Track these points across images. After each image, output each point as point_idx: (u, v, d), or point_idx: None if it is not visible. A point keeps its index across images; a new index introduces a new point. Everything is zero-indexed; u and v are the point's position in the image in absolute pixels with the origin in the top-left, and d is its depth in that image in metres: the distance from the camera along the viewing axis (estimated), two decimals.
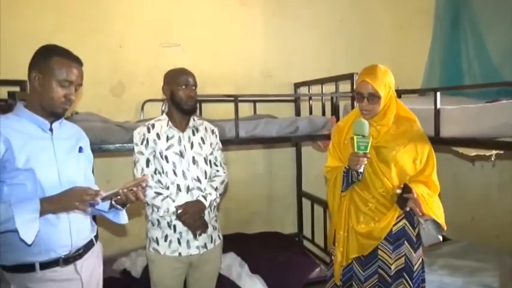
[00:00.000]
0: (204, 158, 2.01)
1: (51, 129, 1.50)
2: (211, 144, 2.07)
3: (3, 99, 2.16)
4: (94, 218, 1.71)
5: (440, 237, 1.96)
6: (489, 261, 3.02)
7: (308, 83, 3.40)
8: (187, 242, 1.95)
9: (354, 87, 2.73)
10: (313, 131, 2.83)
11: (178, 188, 1.93)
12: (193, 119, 2.05)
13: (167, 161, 1.93)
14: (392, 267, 1.90)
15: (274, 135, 2.70)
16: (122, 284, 2.58)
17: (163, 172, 1.94)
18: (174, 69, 2.00)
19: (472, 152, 2.71)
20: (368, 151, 1.79)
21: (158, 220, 1.95)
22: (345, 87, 2.99)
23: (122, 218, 1.65)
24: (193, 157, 1.98)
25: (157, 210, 1.92)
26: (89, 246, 1.58)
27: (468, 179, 3.76)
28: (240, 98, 2.60)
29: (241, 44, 3.48)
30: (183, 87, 1.92)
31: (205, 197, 1.95)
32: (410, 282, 1.90)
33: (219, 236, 2.10)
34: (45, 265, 1.43)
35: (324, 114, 3.18)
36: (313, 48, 3.71)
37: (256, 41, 3.53)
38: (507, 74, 3.06)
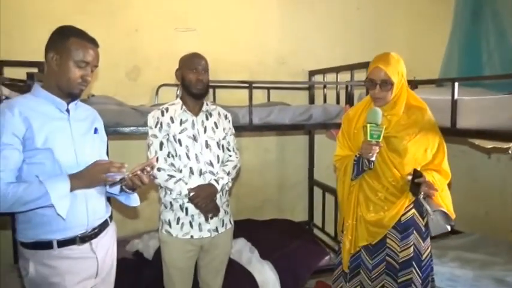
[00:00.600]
0: (217, 143, 2.03)
1: (67, 110, 1.52)
2: (224, 129, 2.08)
3: (22, 80, 2.19)
4: (108, 199, 1.74)
5: (449, 227, 1.93)
6: (501, 255, 2.99)
7: (323, 71, 3.37)
8: (199, 225, 1.98)
9: None
10: (326, 119, 2.81)
11: (191, 172, 1.95)
12: (207, 104, 2.06)
13: (180, 145, 1.95)
14: (401, 255, 1.91)
15: (288, 122, 2.70)
16: (134, 265, 2.63)
17: (176, 155, 1.96)
18: (187, 54, 2.02)
19: (489, 144, 2.67)
20: (381, 140, 1.78)
21: (171, 203, 1.98)
22: (360, 75, 2.96)
23: (133, 200, 1.68)
24: (206, 141, 1.99)
25: (170, 193, 1.95)
26: (104, 226, 1.62)
27: (483, 172, 3.70)
28: (254, 85, 2.60)
29: (256, 30, 3.46)
30: (193, 70, 1.94)
31: (217, 181, 1.97)
32: (419, 271, 1.91)
33: (230, 220, 2.12)
34: (63, 243, 1.46)
35: (338, 102, 3.15)
36: (329, 36, 3.67)
37: (271, 28, 3.51)
38: None
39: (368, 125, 1.78)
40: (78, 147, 1.51)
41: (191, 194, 1.92)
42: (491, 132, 2.29)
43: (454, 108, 2.40)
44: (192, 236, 1.97)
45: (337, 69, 3.15)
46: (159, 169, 1.94)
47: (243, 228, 2.93)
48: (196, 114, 2.01)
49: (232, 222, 2.15)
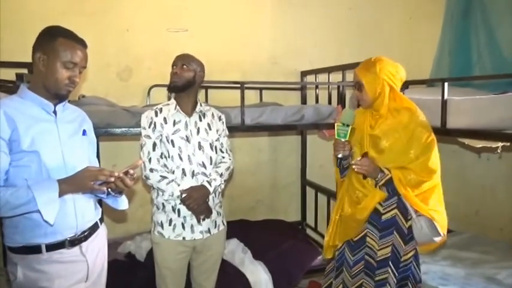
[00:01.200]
0: (210, 144, 2.02)
1: (55, 112, 1.49)
2: (217, 131, 2.07)
3: (12, 81, 2.16)
4: (100, 201, 1.73)
5: (436, 239, 1.90)
6: (492, 253, 3.03)
7: (315, 72, 3.37)
8: (191, 226, 1.97)
9: None
10: (319, 119, 2.82)
11: (184, 173, 1.95)
12: (201, 105, 2.05)
13: (173, 146, 1.94)
14: (378, 253, 1.94)
15: (280, 123, 2.70)
16: (126, 267, 2.61)
17: (169, 156, 1.95)
18: None
19: (478, 144, 2.69)
20: (346, 138, 1.90)
21: (163, 204, 1.97)
22: (351, 76, 2.94)
23: (121, 204, 1.65)
24: (199, 142, 1.99)
25: (163, 194, 1.95)
26: (94, 228, 1.60)
27: (473, 171, 3.74)
28: (246, 85, 2.59)
29: (248, 31, 3.46)
30: (173, 67, 1.97)
31: (209, 182, 1.97)
32: (395, 272, 1.91)
33: (223, 221, 2.12)
34: (51, 247, 1.44)
35: (330, 103, 3.16)
36: (321, 37, 3.68)
37: (264, 28, 3.51)
38: None
39: (336, 125, 1.92)
40: (66, 150, 1.49)
41: (183, 195, 1.91)
42: (480, 132, 2.32)
43: (444, 108, 2.42)
44: (184, 238, 1.96)
45: (329, 70, 3.16)
46: (151, 170, 1.93)
47: (235, 229, 2.92)
48: (189, 115, 2.00)
49: (225, 224, 2.15)
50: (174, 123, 1.97)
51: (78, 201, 1.51)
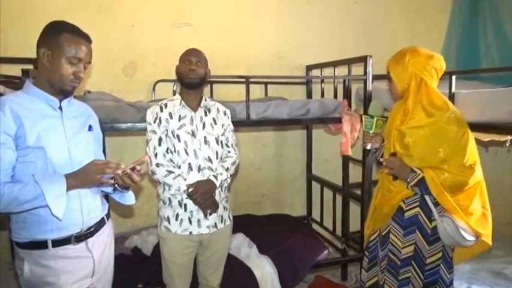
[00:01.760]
0: (216, 139, 2.02)
1: (60, 108, 1.49)
2: (223, 125, 2.07)
3: (18, 76, 2.17)
4: (106, 197, 1.73)
5: (462, 242, 1.77)
6: (498, 248, 3.01)
7: (320, 66, 3.35)
8: (198, 221, 1.97)
9: (367, 70, 2.73)
10: (324, 114, 2.80)
11: (190, 167, 1.95)
12: (206, 99, 2.05)
13: (179, 140, 1.94)
14: (402, 251, 1.89)
15: (285, 117, 2.69)
16: (133, 261, 2.63)
17: (175, 151, 1.95)
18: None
19: (486, 138, 2.67)
20: (373, 130, 1.92)
21: (169, 199, 1.98)
22: (357, 70, 2.95)
23: (127, 199, 1.65)
24: (205, 137, 1.99)
25: (169, 189, 1.95)
26: (100, 224, 1.60)
27: (481, 165, 3.71)
28: (251, 80, 2.58)
29: (253, 25, 3.44)
30: (186, 62, 1.95)
31: (216, 177, 1.97)
32: (420, 273, 1.85)
33: (229, 216, 2.12)
34: (58, 242, 1.45)
35: (335, 97, 3.14)
36: (326, 30, 3.65)
37: (269, 23, 3.49)
38: None
39: (363, 117, 1.92)
40: (72, 145, 1.49)
41: (190, 189, 1.91)
42: (488, 125, 2.30)
43: (451, 102, 2.39)
44: (191, 232, 1.97)
45: (334, 64, 3.13)
46: (158, 165, 1.93)
47: (241, 224, 2.93)
48: (195, 109, 2.00)
49: (231, 218, 2.15)
50: (180, 118, 1.97)
51: (84, 197, 1.52)
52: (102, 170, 1.35)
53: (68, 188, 1.35)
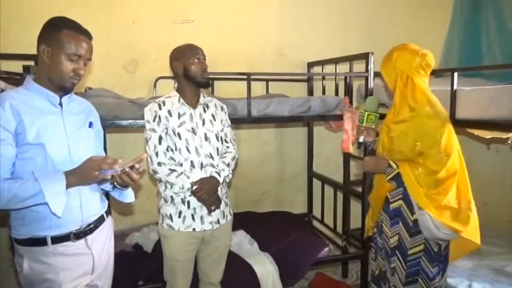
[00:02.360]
0: (216, 135, 2.02)
1: (60, 104, 1.48)
2: (221, 121, 2.07)
3: (19, 73, 2.17)
4: (107, 194, 1.73)
5: (444, 237, 1.79)
6: (499, 245, 3.01)
7: (321, 63, 3.34)
8: (201, 217, 1.97)
9: (369, 67, 2.72)
10: (325, 111, 2.79)
11: (192, 165, 1.94)
12: (203, 96, 2.04)
13: (180, 138, 1.94)
14: (391, 240, 1.95)
15: (286, 114, 2.68)
16: (133, 258, 2.63)
17: (176, 149, 1.94)
18: (181, 46, 2.00)
19: (488, 135, 2.66)
20: (364, 125, 2.03)
21: (171, 197, 1.97)
22: (359, 67, 2.94)
23: (127, 197, 1.65)
24: (205, 134, 1.98)
25: (172, 187, 1.94)
26: (100, 221, 1.60)
27: (482, 163, 3.70)
28: (252, 77, 2.57)
29: (254, 22, 3.43)
30: (196, 60, 1.93)
31: (218, 173, 1.97)
32: (403, 263, 1.90)
33: (230, 212, 2.12)
34: (57, 239, 1.44)
35: (337, 94, 3.13)
36: (328, 27, 3.64)
37: (270, 20, 3.47)
38: None
39: (358, 111, 2.01)
40: (72, 142, 1.48)
41: (194, 187, 1.91)
42: (490, 122, 2.29)
43: (453, 99, 2.39)
44: (194, 229, 1.97)
45: (336, 61, 3.12)
46: (159, 164, 1.92)
47: (242, 221, 2.93)
48: (194, 106, 1.99)
49: (232, 213, 2.15)
50: (179, 115, 1.96)
51: (83, 194, 1.51)
52: (100, 166, 1.34)
53: (68, 186, 1.34)
